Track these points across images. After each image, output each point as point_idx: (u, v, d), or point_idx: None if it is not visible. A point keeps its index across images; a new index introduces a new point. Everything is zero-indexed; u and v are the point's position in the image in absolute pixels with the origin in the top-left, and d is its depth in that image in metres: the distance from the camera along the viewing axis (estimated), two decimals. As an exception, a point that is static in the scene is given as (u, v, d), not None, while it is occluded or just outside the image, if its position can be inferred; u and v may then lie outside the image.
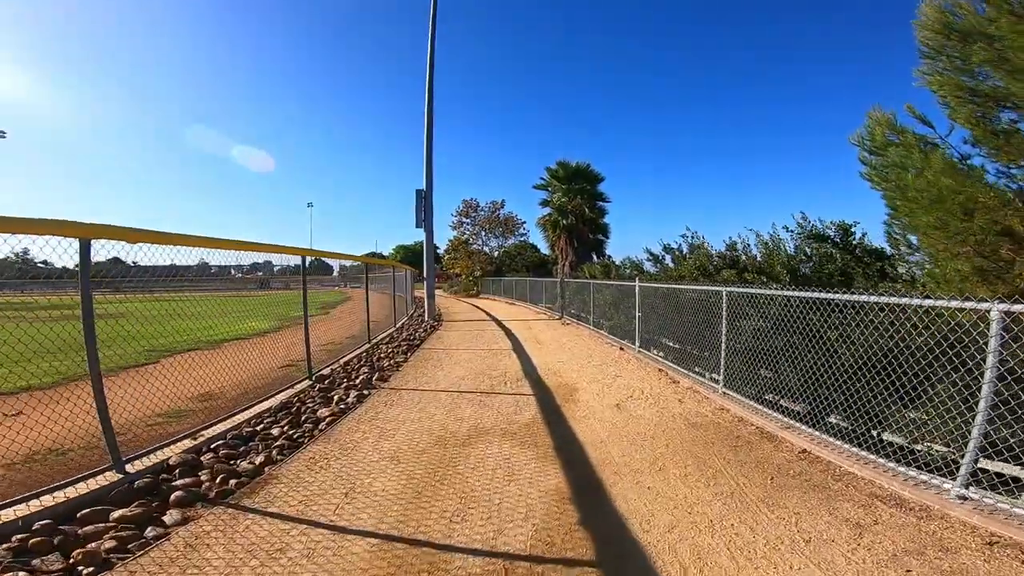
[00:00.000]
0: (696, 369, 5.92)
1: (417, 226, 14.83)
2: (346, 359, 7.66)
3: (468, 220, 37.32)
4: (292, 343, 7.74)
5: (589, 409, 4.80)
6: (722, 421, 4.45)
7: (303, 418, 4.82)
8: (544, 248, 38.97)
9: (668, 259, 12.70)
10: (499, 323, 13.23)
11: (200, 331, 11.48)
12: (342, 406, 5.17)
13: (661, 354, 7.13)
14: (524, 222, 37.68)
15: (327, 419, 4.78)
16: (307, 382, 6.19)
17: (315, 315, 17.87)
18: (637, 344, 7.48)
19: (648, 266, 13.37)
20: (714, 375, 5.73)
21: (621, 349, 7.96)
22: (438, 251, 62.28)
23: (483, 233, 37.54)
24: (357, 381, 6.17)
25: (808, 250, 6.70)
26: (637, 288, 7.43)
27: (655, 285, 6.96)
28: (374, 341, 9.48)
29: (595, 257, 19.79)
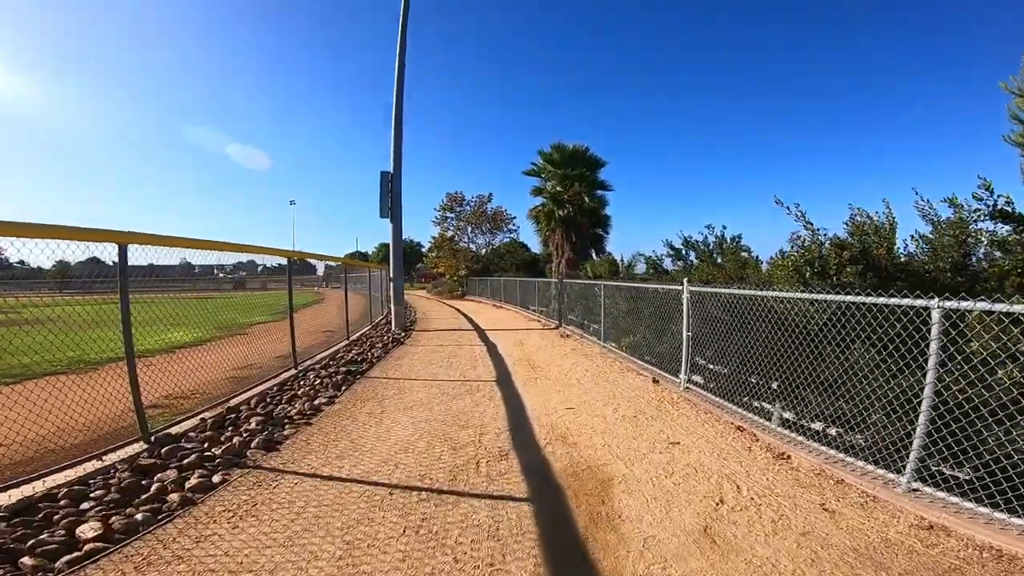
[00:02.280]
0: (769, 413, 3.47)
1: (382, 215, 12.26)
2: (241, 398, 5.06)
3: (452, 215, 34.67)
4: (203, 364, 5.43)
5: (651, 547, 2.28)
6: (964, 563, 1.98)
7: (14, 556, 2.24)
8: (535, 245, 36.66)
9: (692, 255, 10.43)
10: (482, 334, 10.68)
11: (104, 343, 8.78)
12: (139, 517, 2.60)
13: (697, 381, 4.69)
14: (514, 217, 35.18)
15: (72, 563, 2.24)
16: (136, 446, 3.63)
17: (267, 321, 15.04)
18: (684, 376, 4.99)
19: (668, 263, 11.01)
20: (819, 427, 3.28)
21: (655, 382, 5.46)
22: (421, 249, 59.10)
23: (469, 229, 34.90)
24: (219, 450, 3.59)
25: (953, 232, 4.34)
26: (686, 295, 4.93)
27: (726, 291, 4.44)
28: (304, 365, 6.88)
29: (594, 254, 17.43)
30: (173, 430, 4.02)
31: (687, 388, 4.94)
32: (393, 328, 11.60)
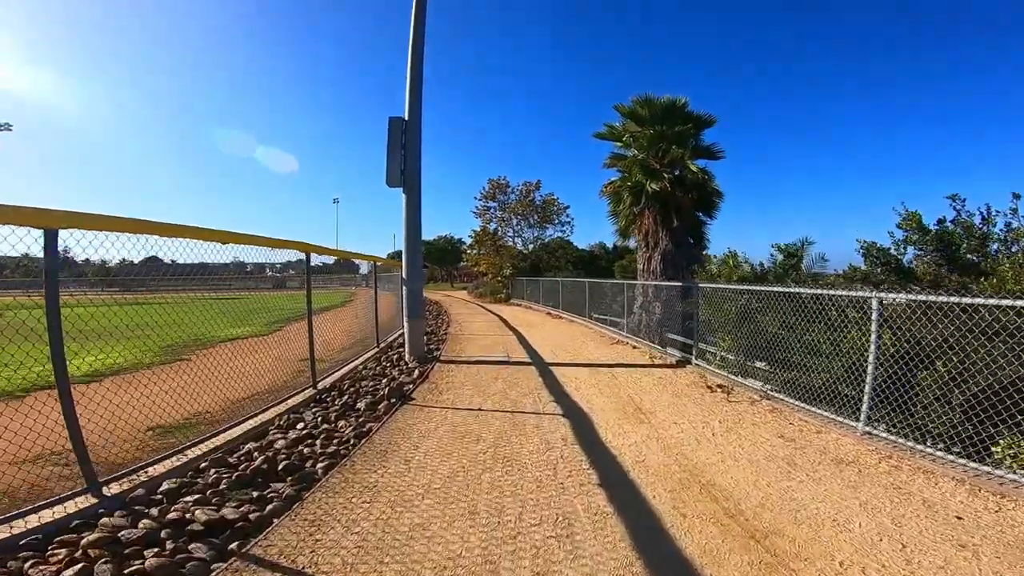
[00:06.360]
0: None
1: (391, 183, 7.99)
2: None
3: (495, 204, 30.41)
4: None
5: None
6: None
7: None
8: (582, 243, 31.90)
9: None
10: (551, 379, 6.32)
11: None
12: None
13: None
14: (567, 206, 30.62)
15: None
16: None
17: (256, 335, 11.09)
18: None
19: (912, 253, 6.23)
20: None
21: None
22: (461, 244, 54.23)
23: (515, 221, 30.57)
24: None
25: None
26: None
27: None
28: (131, 486, 2.84)
29: (692, 243, 12.76)
30: None
31: None
32: (406, 358, 7.48)
